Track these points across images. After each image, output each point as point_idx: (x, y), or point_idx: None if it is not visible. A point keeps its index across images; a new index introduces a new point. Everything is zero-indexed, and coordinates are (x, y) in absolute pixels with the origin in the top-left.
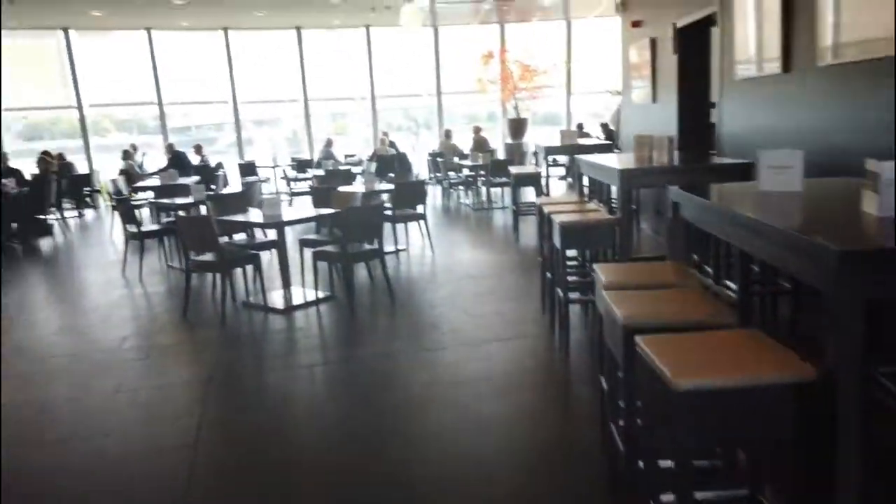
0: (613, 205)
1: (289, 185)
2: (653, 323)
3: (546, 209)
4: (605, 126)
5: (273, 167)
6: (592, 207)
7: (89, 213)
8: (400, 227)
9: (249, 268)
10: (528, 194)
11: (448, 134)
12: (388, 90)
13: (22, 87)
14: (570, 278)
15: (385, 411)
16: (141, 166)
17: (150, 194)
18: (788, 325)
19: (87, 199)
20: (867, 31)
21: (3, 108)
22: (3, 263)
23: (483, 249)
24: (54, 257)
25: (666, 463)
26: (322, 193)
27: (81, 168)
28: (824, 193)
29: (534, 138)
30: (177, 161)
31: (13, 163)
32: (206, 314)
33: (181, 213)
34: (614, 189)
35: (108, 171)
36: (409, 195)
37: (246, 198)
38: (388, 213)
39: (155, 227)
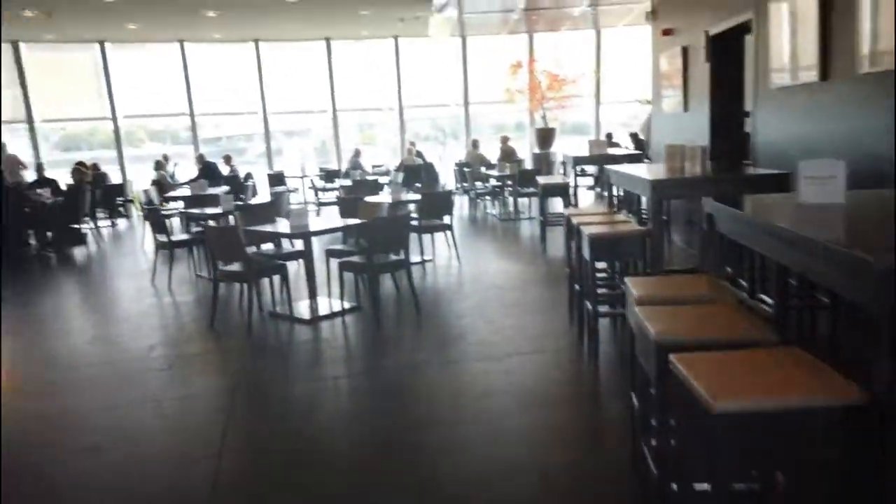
0: (643, 216)
1: (316, 195)
2: (687, 340)
3: (575, 220)
4: (634, 136)
5: (301, 177)
6: (622, 218)
7: (122, 223)
8: (426, 237)
9: (276, 278)
10: (556, 205)
11: (475, 144)
12: (416, 100)
13: (60, 98)
14: (599, 291)
15: (410, 424)
16: (172, 176)
17: (180, 204)
18: (827, 342)
19: (120, 209)
20: None
21: (40, 119)
22: (23, 271)
23: (510, 260)
24: (87, 266)
25: (701, 485)
26: (348, 204)
27: (116, 178)
28: (866, 205)
29: (562, 148)
30: (207, 171)
31: (50, 173)
32: (232, 324)
33: (211, 222)
34: (644, 200)
35: (141, 181)
36: (436, 205)
37: (274, 208)
38: (415, 223)
39: (184, 236)
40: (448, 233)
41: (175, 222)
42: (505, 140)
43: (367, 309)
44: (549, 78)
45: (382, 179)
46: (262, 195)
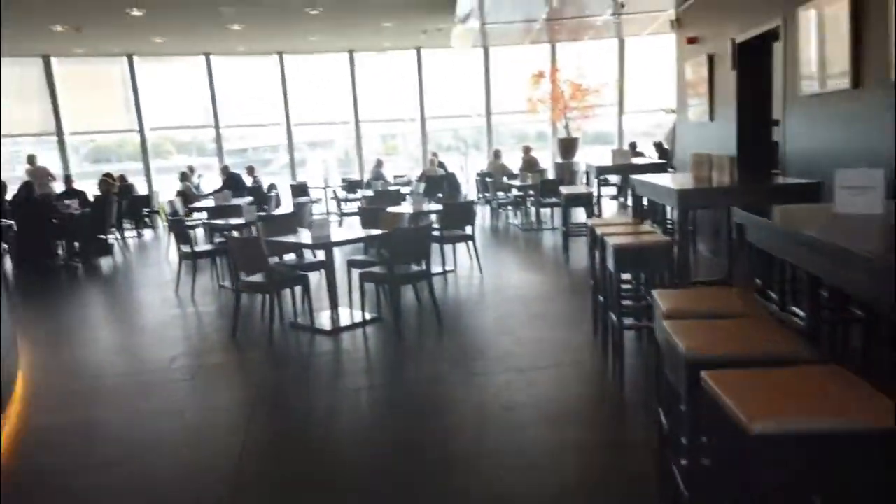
0: (668, 226)
1: (339, 205)
2: (719, 356)
3: (599, 231)
4: (658, 145)
5: (324, 188)
6: (647, 229)
7: (148, 233)
8: (448, 247)
9: (298, 288)
10: (579, 215)
11: (497, 154)
12: (438, 111)
13: (89, 111)
14: (623, 302)
15: (431, 438)
16: (197, 187)
17: (204, 215)
18: (862, 358)
19: (146, 220)
20: None
21: (70, 132)
22: (50, 281)
23: (532, 271)
24: (112, 276)
25: None
26: (370, 214)
27: (143, 189)
28: None
29: (584, 158)
30: (231, 182)
31: (79, 184)
32: (254, 334)
33: (234, 233)
34: (669, 209)
35: (168, 191)
36: (458, 216)
37: (296, 218)
38: (436, 233)
39: (208, 247)
40: (470, 243)
41: (199, 233)
42: (527, 150)
43: (388, 320)
44: (572, 87)
45: (404, 190)
46: (286, 206)
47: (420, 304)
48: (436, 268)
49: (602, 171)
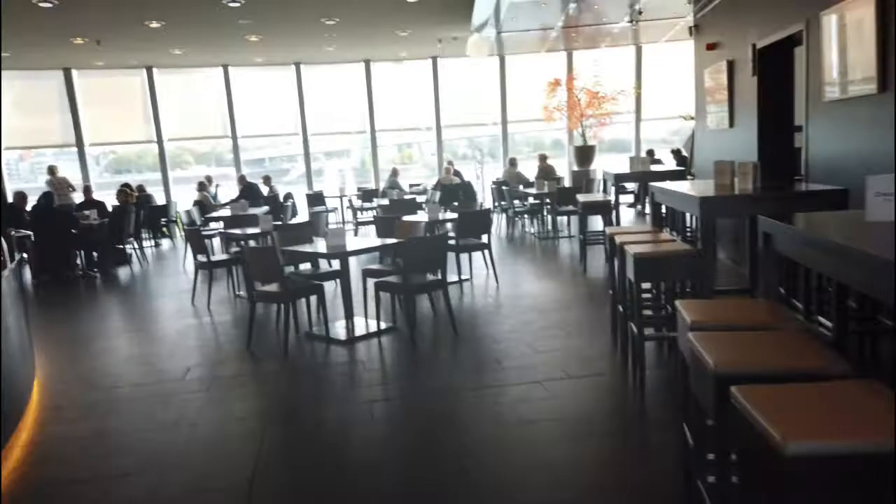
0: (688, 234)
1: (354, 214)
2: (749, 371)
3: (618, 239)
4: (676, 152)
5: (340, 197)
6: (667, 237)
7: (165, 243)
8: (463, 256)
9: (313, 298)
10: (595, 223)
11: (513, 162)
12: (454, 119)
13: (109, 122)
14: (643, 313)
15: (447, 453)
16: (215, 197)
17: (221, 224)
18: (893, 369)
19: (164, 230)
20: None
21: (91, 143)
22: (69, 291)
23: (549, 280)
24: (130, 286)
25: None
26: (385, 223)
27: (162, 200)
28: None
29: (600, 165)
30: (248, 192)
31: (100, 195)
32: (269, 344)
33: (251, 243)
34: (689, 217)
35: (186, 201)
36: (474, 224)
37: (312, 228)
38: (452, 242)
39: (224, 256)
40: (486, 252)
41: (216, 242)
42: (543, 158)
43: (403, 329)
44: (589, 95)
45: (420, 198)
46: (302, 215)
47: (435, 314)
48: (451, 276)
49: (620, 178)
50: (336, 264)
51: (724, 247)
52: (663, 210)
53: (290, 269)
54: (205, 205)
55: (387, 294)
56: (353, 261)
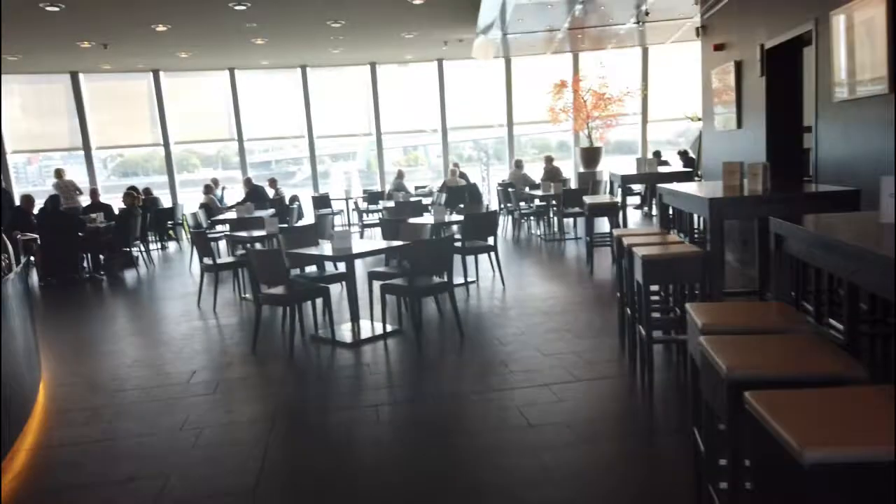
0: (695, 235)
1: (360, 217)
2: (763, 376)
3: (626, 241)
4: (683, 153)
5: (346, 199)
6: (675, 239)
7: (172, 246)
8: (470, 258)
9: (319, 300)
10: (602, 225)
11: (519, 164)
12: (459, 122)
13: (116, 126)
14: (651, 315)
15: (453, 457)
16: (221, 200)
17: (227, 227)
18: None
19: (170, 233)
20: None
21: (98, 146)
22: (75, 294)
23: (556, 282)
24: (136, 289)
25: None
26: (391, 225)
27: (168, 202)
28: None
29: (606, 167)
30: (254, 194)
31: (107, 198)
32: (274, 347)
33: (258, 245)
34: (696, 219)
35: (193, 204)
36: (480, 226)
37: (318, 230)
38: (458, 244)
39: (230, 259)
40: (492, 254)
41: (222, 245)
42: (549, 160)
43: (409, 332)
44: (595, 97)
45: (426, 201)
46: (308, 218)
47: (442, 316)
48: (457, 279)
49: (627, 180)
50: (342, 267)
51: (731, 248)
52: (670, 211)
53: (296, 271)
54: (211, 207)
55: (392, 297)
56: (358, 263)
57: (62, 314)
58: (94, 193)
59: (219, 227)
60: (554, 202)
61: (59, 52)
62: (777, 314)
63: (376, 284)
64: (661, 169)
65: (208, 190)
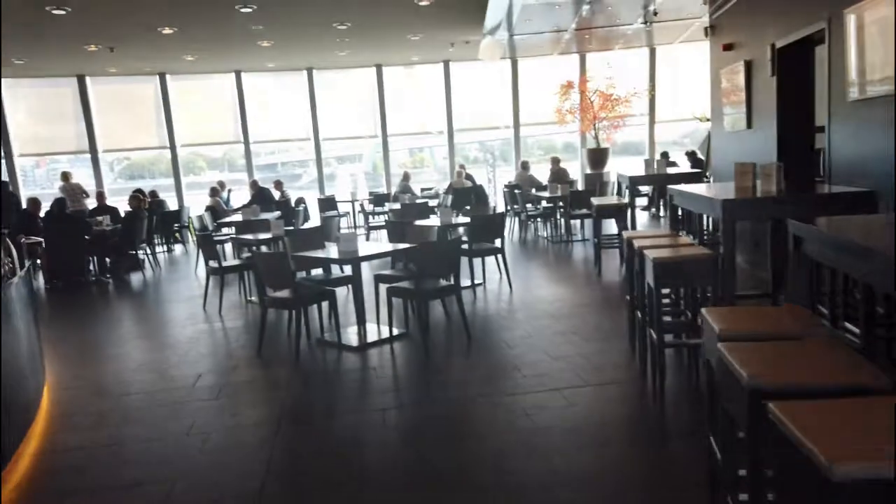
0: (705, 237)
1: (366, 219)
2: (786, 385)
3: (636, 243)
4: (691, 154)
5: (352, 202)
6: (686, 241)
7: (178, 248)
8: (476, 260)
9: (325, 303)
10: (609, 226)
11: (525, 165)
12: (466, 123)
13: (123, 129)
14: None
15: (460, 461)
16: (227, 202)
17: (233, 230)
18: None
19: (177, 235)
20: None
21: (104, 149)
22: (81, 297)
23: (564, 285)
24: (142, 292)
25: None
26: (397, 228)
27: (175, 205)
28: None
29: (612, 168)
30: (260, 197)
31: (114, 201)
32: (280, 351)
33: (263, 248)
34: (705, 220)
35: (199, 207)
36: (487, 228)
37: (323, 233)
38: (465, 246)
39: (235, 262)
40: (499, 256)
41: (228, 247)
42: (556, 161)
43: (416, 336)
44: (602, 97)
45: (432, 202)
46: (314, 220)
47: (449, 319)
48: (464, 281)
49: (635, 181)
50: (348, 269)
51: (741, 249)
52: (679, 213)
53: (302, 274)
54: (217, 210)
55: (399, 299)
56: (365, 266)
57: (68, 317)
58: (100, 196)
59: (224, 230)
60: (561, 204)
61: (66, 56)
62: (794, 319)
63: (382, 287)
64: (670, 170)
65: (214, 192)
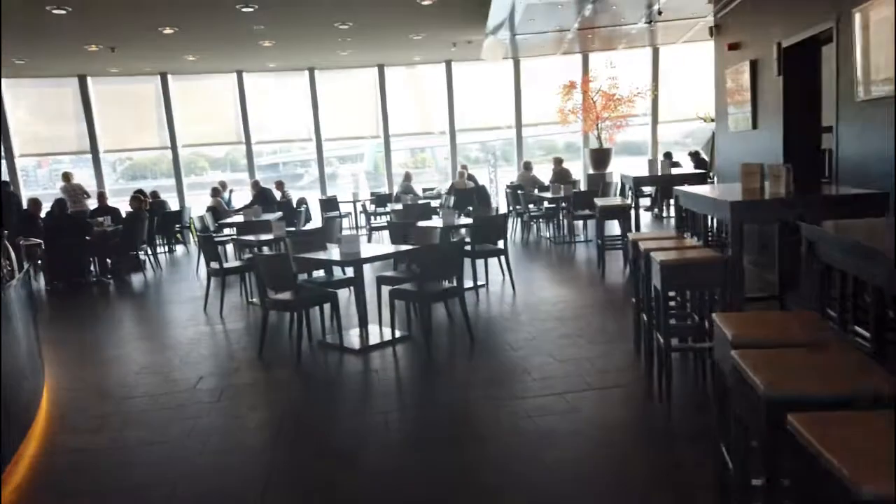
0: (710, 238)
1: (368, 220)
2: (804, 396)
3: (642, 246)
4: (695, 154)
5: (354, 202)
6: (693, 243)
7: (179, 249)
8: (479, 262)
9: (327, 305)
10: (611, 227)
11: (528, 165)
12: (468, 123)
13: (124, 129)
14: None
15: (463, 464)
16: (228, 203)
17: (234, 230)
18: None
19: (178, 236)
20: None
21: (105, 149)
22: (82, 299)
23: (567, 286)
24: (143, 293)
25: None
26: (400, 229)
27: (176, 206)
28: None
29: (615, 168)
30: (262, 197)
31: (116, 201)
32: (281, 353)
33: (265, 249)
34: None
35: (201, 207)
36: (490, 230)
37: (325, 234)
38: (467, 247)
39: (237, 263)
40: (501, 258)
41: (229, 249)
42: (558, 162)
43: (418, 338)
44: (604, 97)
45: (434, 203)
46: (316, 221)
47: (451, 321)
48: (467, 283)
49: (639, 182)
50: (350, 271)
51: (747, 250)
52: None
53: (304, 276)
54: (218, 210)
55: (401, 301)
56: (367, 267)
57: (69, 318)
58: (101, 197)
59: (226, 231)
60: (564, 204)
61: (67, 56)
62: (808, 325)
63: (385, 289)
64: (673, 171)
65: (216, 193)
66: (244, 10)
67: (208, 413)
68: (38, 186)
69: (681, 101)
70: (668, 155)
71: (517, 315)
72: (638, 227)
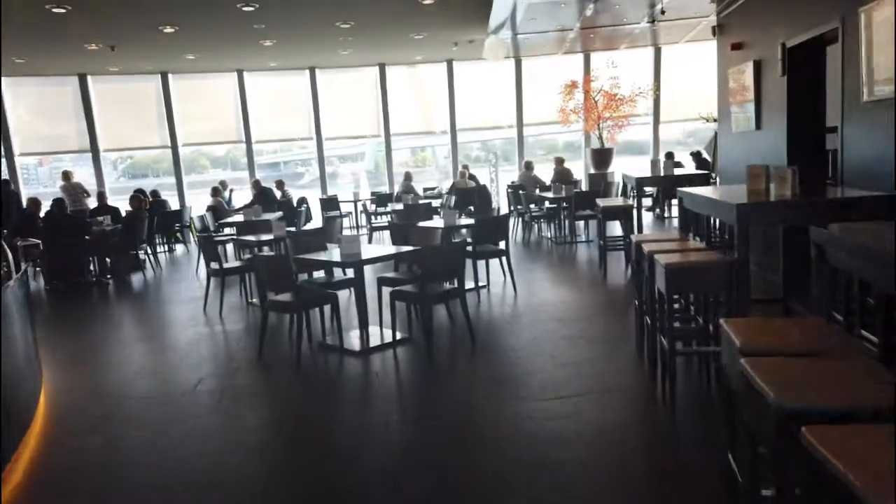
0: (713, 240)
1: (369, 219)
2: (816, 407)
3: (646, 248)
4: (697, 155)
5: (354, 202)
6: (697, 245)
7: (179, 248)
8: (480, 262)
9: (327, 306)
10: (613, 228)
11: (529, 165)
12: (469, 123)
13: (124, 128)
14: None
15: (464, 469)
16: (229, 202)
17: (234, 230)
18: None
19: (178, 235)
20: None
21: (106, 148)
22: (81, 298)
23: (569, 287)
24: (142, 293)
25: None
26: (401, 229)
27: (176, 205)
28: None
29: (616, 168)
30: (262, 197)
31: (116, 200)
32: (281, 355)
33: (266, 249)
34: (713, 222)
35: (202, 206)
36: (491, 230)
37: (325, 234)
38: (469, 248)
39: (237, 263)
40: (503, 258)
41: (229, 248)
42: (560, 161)
43: (419, 340)
44: (606, 97)
45: (435, 203)
46: (316, 220)
47: (453, 323)
48: (468, 284)
49: (642, 182)
50: (350, 272)
51: (750, 252)
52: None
53: (304, 276)
54: (218, 210)
55: (402, 303)
56: (367, 268)
57: (67, 319)
58: (101, 196)
59: (226, 230)
60: (565, 204)
61: (67, 55)
62: (818, 332)
63: (386, 290)
64: (676, 171)
65: (216, 192)
66: (245, 9)
67: (207, 415)
68: (39, 185)
69: (683, 100)
70: (669, 155)
71: (519, 316)
72: (640, 228)
